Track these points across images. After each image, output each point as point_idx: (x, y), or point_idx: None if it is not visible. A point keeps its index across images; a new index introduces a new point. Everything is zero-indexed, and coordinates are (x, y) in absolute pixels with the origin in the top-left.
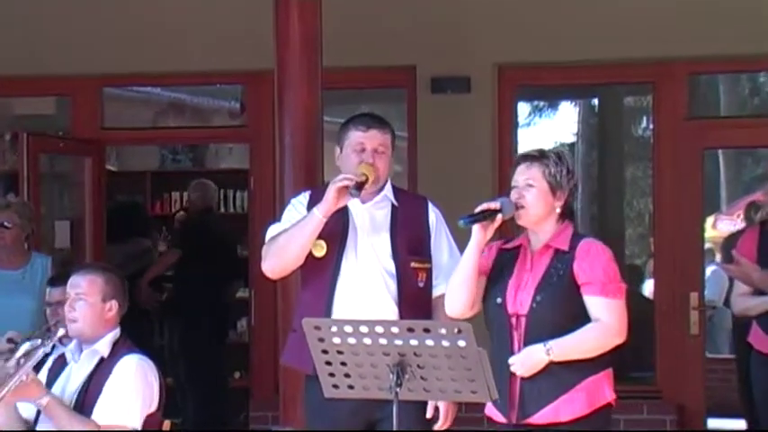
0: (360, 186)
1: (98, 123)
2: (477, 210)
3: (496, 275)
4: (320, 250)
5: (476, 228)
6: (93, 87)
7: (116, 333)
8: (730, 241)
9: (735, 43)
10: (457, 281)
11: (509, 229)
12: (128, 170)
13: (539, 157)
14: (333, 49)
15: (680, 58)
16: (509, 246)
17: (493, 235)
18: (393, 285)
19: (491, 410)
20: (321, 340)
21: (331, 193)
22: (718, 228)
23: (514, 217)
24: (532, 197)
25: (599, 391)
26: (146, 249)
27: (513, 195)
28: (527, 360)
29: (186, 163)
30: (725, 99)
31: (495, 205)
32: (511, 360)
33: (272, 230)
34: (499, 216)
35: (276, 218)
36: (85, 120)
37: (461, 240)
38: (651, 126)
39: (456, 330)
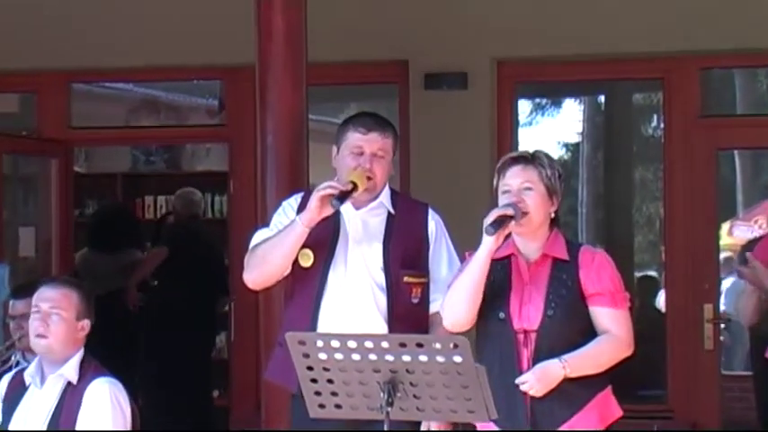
0: (344, 196)
1: (65, 122)
2: (493, 217)
3: (492, 288)
4: (307, 260)
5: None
6: (60, 83)
7: (81, 354)
8: (749, 249)
9: (751, 36)
10: (462, 291)
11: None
12: (97, 172)
13: (531, 159)
14: (319, 41)
15: (692, 52)
16: (496, 256)
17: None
18: (383, 300)
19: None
20: (306, 356)
21: (313, 202)
22: (734, 234)
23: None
24: (533, 201)
25: (609, 406)
26: (137, 262)
27: (512, 200)
28: (543, 377)
29: (160, 165)
30: (741, 96)
31: (510, 212)
32: (522, 378)
33: (257, 237)
34: (512, 223)
35: (259, 223)
36: (52, 118)
37: (458, 245)
38: (662, 125)
39: (452, 345)
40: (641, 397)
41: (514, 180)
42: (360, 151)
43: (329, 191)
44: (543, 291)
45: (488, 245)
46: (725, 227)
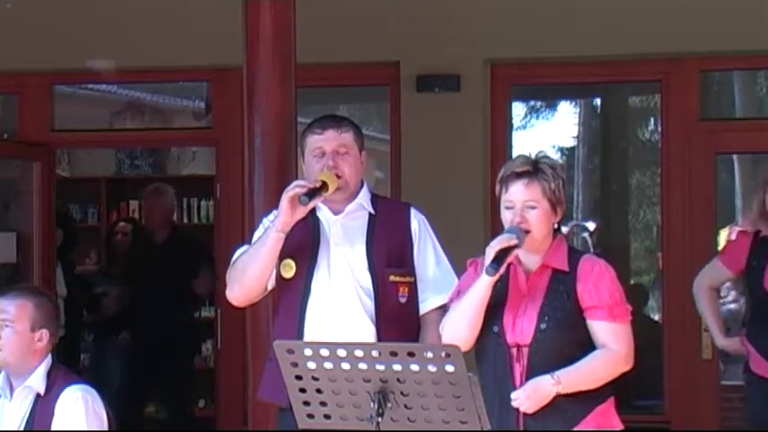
0: (313, 193)
1: (48, 124)
2: (495, 250)
3: (489, 300)
4: (289, 271)
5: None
6: (42, 85)
7: (48, 363)
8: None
9: (751, 38)
10: (464, 314)
11: None
12: (81, 176)
13: (534, 172)
14: (308, 42)
15: (691, 54)
16: None
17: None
18: (369, 302)
19: None
20: (294, 365)
21: (283, 203)
22: None
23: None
24: (536, 220)
25: (608, 420)
26: None
27: (514, 219)
28: (534, 394)
29: (145, 168)
30: (740, 99)
31: (513, 241)
32: (514, 395)
33: (237, 254)
34: (516, 250)
35: (246, 228)
36: (34, 121)
37: (452, 251)
38: (659, 128)
39: (444, 354)
40: (637, 407)
41: (517, 197)
42: (321, 152)
43: (297, 190)
44: (538, 304)
45: (491, 276)
46: (723, 233)
